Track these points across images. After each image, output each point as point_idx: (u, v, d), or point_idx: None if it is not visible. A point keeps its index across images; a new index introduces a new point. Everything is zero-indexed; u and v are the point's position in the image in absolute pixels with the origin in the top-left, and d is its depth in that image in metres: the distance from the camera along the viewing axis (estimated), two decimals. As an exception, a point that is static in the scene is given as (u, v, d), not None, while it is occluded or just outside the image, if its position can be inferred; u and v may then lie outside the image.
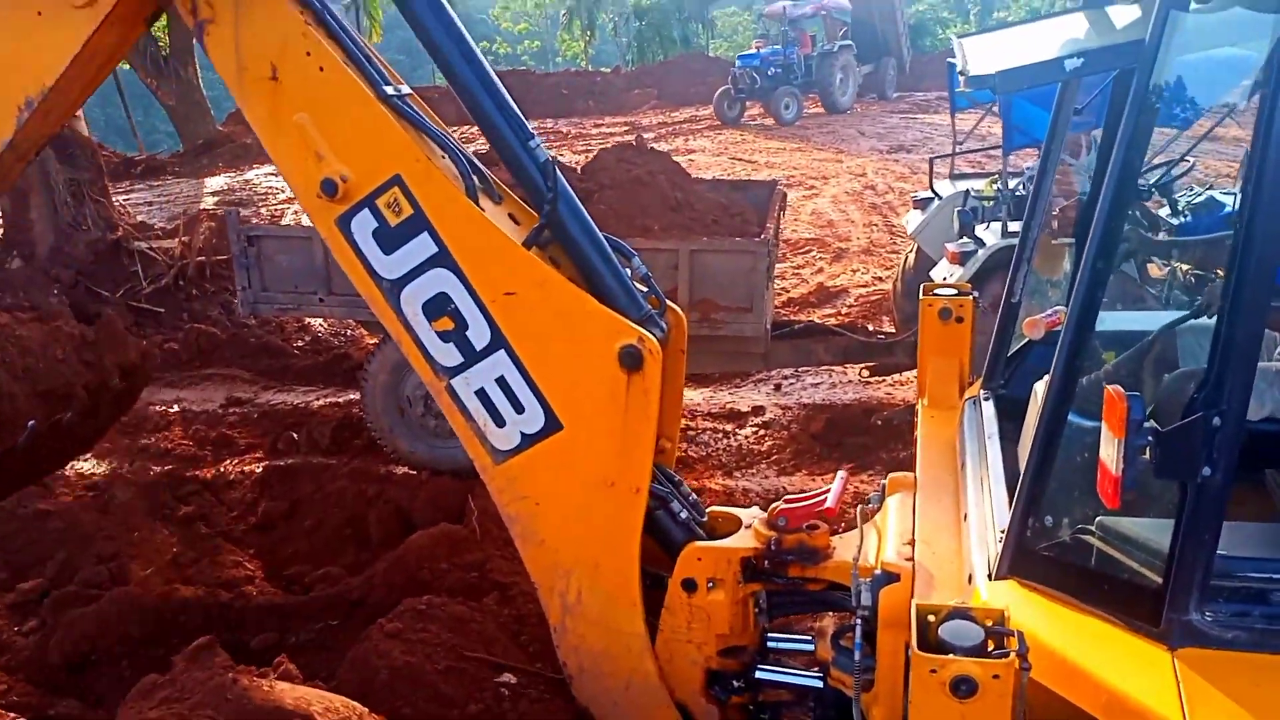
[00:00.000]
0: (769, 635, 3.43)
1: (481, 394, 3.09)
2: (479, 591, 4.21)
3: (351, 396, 7.80)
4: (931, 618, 2.10)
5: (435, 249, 2.98)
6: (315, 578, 5.19)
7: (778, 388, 7.85)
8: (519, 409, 3.09)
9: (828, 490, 3.23)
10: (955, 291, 3.83)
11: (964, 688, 1.96)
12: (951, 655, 1.98)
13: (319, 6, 2.94)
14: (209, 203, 15.46)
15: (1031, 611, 2.33)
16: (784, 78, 21.02)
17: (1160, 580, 2.09)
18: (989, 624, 2.07)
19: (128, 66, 20.56)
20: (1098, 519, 2.32)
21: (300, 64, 2.90)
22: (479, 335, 3.04)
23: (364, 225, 3.02)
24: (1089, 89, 3.43)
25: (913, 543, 3.00)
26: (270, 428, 7.30)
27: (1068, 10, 3.00)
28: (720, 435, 7.18)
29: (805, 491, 6.09)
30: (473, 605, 3.93)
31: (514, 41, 49.74)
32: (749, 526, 3.27)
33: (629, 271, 3.23)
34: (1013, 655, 1.97)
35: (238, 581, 5.20)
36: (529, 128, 3.16)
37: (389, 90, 3.00)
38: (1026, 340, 3.41)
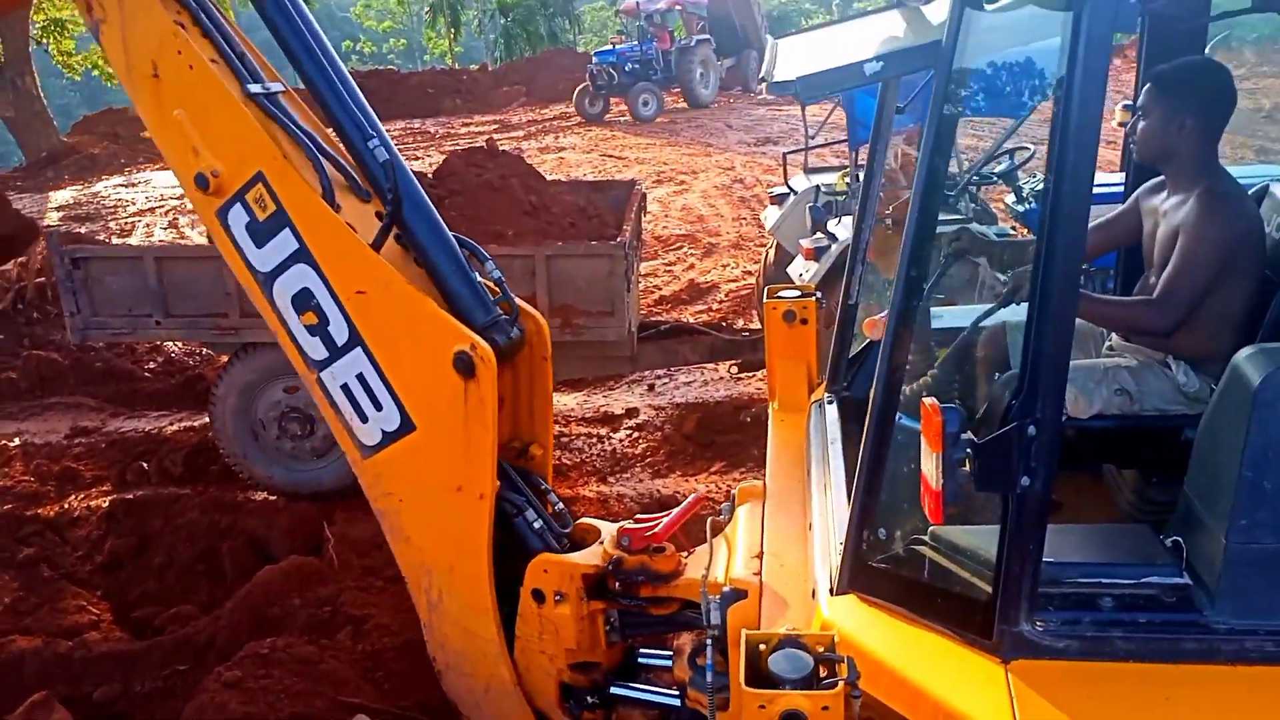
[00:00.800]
0: (640, 651, 3.36)
1: (345, 389, 3.14)
2: (331, 628, 4.02)
3: (206, 419, 7.46)
4: (763, 647, 2.03)
5: (296, 245, 3.05)
6: (166, 618, 4.90)
7: (651, 388, 7.80)
8: (378, 406, 3.14)
9: (669, 513, 3.16)
10: (799, 293, 3.81)
11: (794, 722, 1.91)
12: (779, 690, 1.91)
13: (194, 6, 3.07)
14: (54, 219, 14.69)
15: (871, 628, 2.30)
16: (642, 74, 20.98)
17: (990, 591, 2.07)
18: (820, 650, 2.01)
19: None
20: (930, 529, 2.29)
21: (173, 62, 3.02)
22: (339, 331, 3.11)
23: (238, 219, 3.12)
24: (909, 87, 3.42)
25: (761, 556, 2.95)
26: (118, 458, 6.90)
27: (887, 8, 2.97)
28: (594, 440, 7.08)
29: (677, 495, 6.08)
30: (323, 644, 3.75)
31: (379, 40, 48.70)
32: (601, 543, 3.19)
33: (479, 276, 3.23)
34: (841, 684, 1.92)
35: (81, 628, 4.87)
36: (371, 128, 3.16)
37: (254, 88, 3.09)
38: (868, 341, 3.39)
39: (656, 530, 3.08)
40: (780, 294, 3.82)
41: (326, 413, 3.23)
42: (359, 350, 3.10)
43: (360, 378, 3.12)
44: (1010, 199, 6.88)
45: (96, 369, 8.39)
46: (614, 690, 3.24)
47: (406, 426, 3.12)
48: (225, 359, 6.32)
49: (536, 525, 3.27)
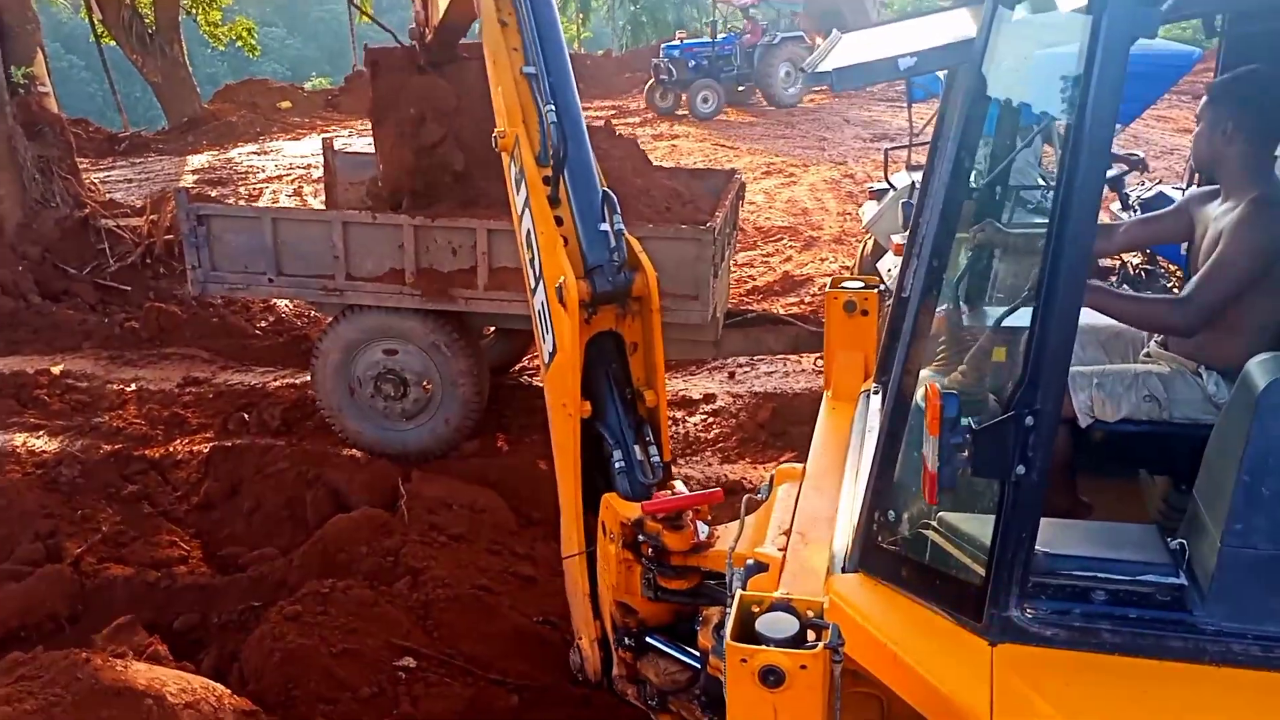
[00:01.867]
0: (684, 615, 3.47)
1: (540, 311, 3.58)
2: (392, 576, 4.25)
3: (307, 378, 7.85)
4: (755, 608, 2.13)
5: (528, 194, 3.56)
6: (249, 558, 5.23)
7: (731, 375, 7.87)
8: (547, 330, 3.56)
9: (698, 492, 3.27)
10: (861, 285, 3.85)
11: (772, 678, 2.00)
12: (762, 646, 2.01)
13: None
14: (189, 181, 15.44)
15: (871, 603, 2.37)
16: (710, 70, 20.32)
17: (983, 576, 2.12)
18: (809, 615, 2.10)
19: (113, 42, 20.57)
20: (938, 514, 2.34)
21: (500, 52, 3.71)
22: (536, 265, 3.58)
23: (510, 168, 3.75)
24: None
25: (789, 533, 3.03)
26: (223, 408, 7.33)
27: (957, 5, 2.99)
28: (670, 423, 7.20)
29: (743, 482, 6.16)
30: (381, 589, 3.97)
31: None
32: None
33: (605, 225, 3.52)
34: (821, 647, 2.00)
35: (171, 561, 5.24)
36: (553, 96, 3.56)
37: (529, 69, 3.62)
38: None
39: (659, 502, 3.18)
40: (844, 284, 3.88)
41: (535, 334, 3.67)
42: (544, 282, 3.49)
43: (543, 304, 3.51)
44: (1115, 205, 6.75)
45: (213, 324, 8.88)
46: (648, 639, 3.37)
47: (554, 349, 3.50)
48: (329, 319, 6.67)
49: (619, 465, 3.49)
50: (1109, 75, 1.85)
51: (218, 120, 20.45)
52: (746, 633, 2.08)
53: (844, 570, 2.53)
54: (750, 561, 2.91)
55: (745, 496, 3.31)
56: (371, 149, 6.97)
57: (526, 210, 3.56)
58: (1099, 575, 2.11)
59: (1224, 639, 1.99)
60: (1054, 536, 2.21)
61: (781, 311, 8.88)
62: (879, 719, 2.52)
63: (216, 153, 18.15)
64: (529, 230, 3.58)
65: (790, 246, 11.51)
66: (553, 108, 3.47)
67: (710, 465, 6.49)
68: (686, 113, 20.84)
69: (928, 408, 2.03)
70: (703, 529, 3.26)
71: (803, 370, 7.82)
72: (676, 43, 21.54)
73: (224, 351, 8.41)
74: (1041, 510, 2.08)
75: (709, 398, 7.47)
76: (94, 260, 9.92)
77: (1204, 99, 2.69)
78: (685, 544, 3.19)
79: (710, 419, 7.18)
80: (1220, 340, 2.57)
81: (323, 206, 13.59)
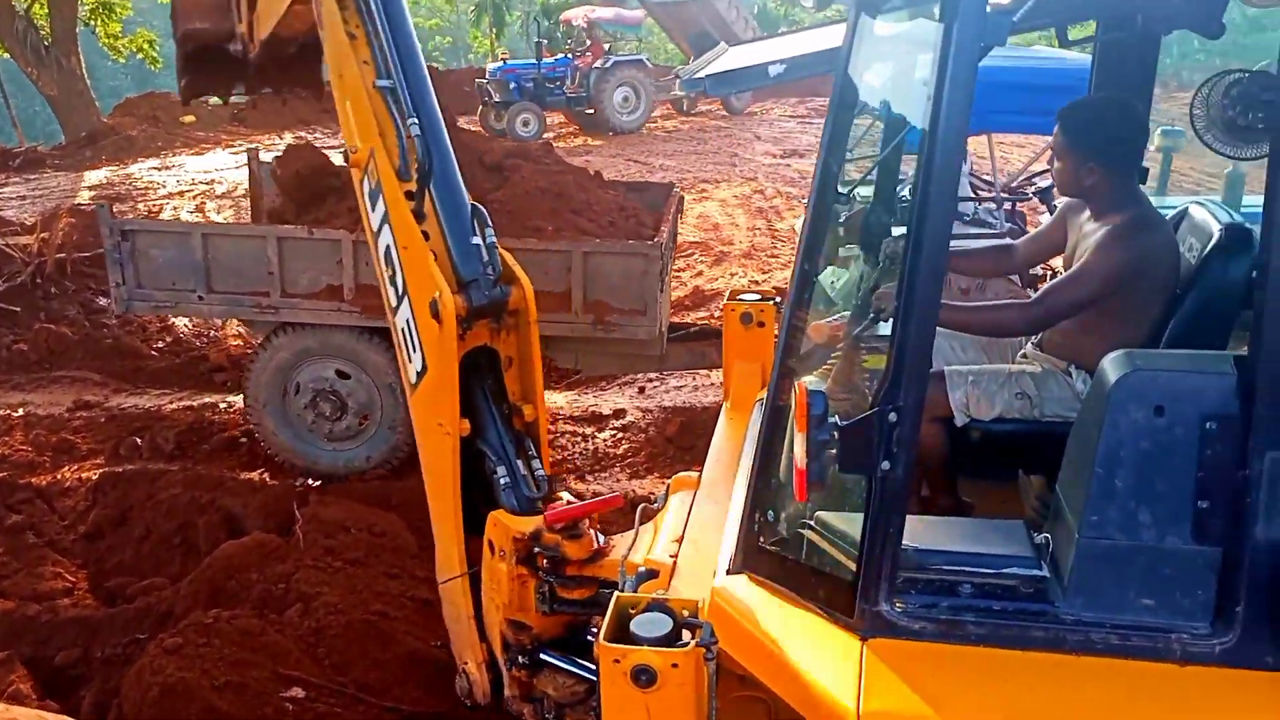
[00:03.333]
0: (577, 628, 3.45)
1: (404, 330, 3.51)
2: (283, 604, 4.14)
3: (205, 400, 7.65)
4: (632, 610, 2.14)
5: (385, 210, 3.49)
6: (137, 589, 5.03)
7: (641, 390, 7.90)
8: (414, 349, 3.48)
9: (598, 498, 3.27)
10: (758, 296, 3.90)
11: (644, 677, 2.01)
12: (633, 646, 2.01)
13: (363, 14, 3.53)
14: (85, 197, 14.97)
15: (752, 603, 2.38)
16: (534, 92, 19.51)
17: (855, 572, 2.15)
18: (684, 615, 2.11)
19: (6, 55, 19.89)
20: (815, 514, 2.37)
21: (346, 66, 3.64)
22: (399, 281, 3.49)
23: (364, 185, 3.64)
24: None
25: (681, 540, 3.05)
26: (115, 433, 7.08)
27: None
28: (579, 439, 7.19)
29: (651, 496, 6.17)
30: (271, 617, 3.87)
31: (425, 37, 49.13)
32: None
33: (476, 238, 3.46)
34: (693, 645, 2.01)
35: (54, 594, 5.03)
36: (417, 110, 3.45)
37: (383, 83, 3.52)
38: (813, 345, 3.48)
39: (562, 510, 3.18)
40: (741, 296, 3.92)
41: (398, 354, 3.59)
42: (408, 298, 3.43)
43: (408, 322, 3.44)
44: (1045, 218, 6.98)
45: (106, 345, 8.62)
46: (542, 656, 3.34)
47: (424, 368, 3.43)
48: (259, 338, 6.50)
49: (504, 482, 3.43)
50: (960, 82, 1.90)
51: (117, 135, 19.89)
52: (621, 634, 2.07)
53: (728, 572, 2.55)
54: (642, 569, 2.92)
55: (641, 505, 3.32)
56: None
57: (385, 226, 3.48)
58: (966, 569, 2.15)
59: (1083, 628, 2.04)
60: (925, 533, 2.26)
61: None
62: None
63: (116, 168, 17.65)
64: (388, 246, 3.50)
65: (701, 261, 11.62)
66: (415, 121, 3.39)
67: (619, 481, 6.49)
68: (578, 127, 20.47)
69: (796, 405, 2.06)
70: (599, 538, 3.26)
71: (711, 384, 7.87)
72: (499, 64, 20.64)
73: (117, 373, 8.15)
74: (911, 507, 2.13)
75: (619, 413, 7.48)
76: (-18, 280, 9.54)
77: (1056, 130, 2.78)
78: (585, 552, 3.18)
79: (620, 434, 7.19)
80: (1088, 340, 2.66)
81: (224, 222, 13.35)
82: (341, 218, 6.23)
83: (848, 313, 3.67)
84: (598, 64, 19.93)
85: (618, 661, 2.02)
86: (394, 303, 3.53)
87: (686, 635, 2.10)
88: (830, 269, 6.94)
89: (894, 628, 2.11)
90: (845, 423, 2.05)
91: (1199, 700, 1.96)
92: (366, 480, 6.19)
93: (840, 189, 2.33)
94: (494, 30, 37.36)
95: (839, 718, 1.98)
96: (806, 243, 2.27)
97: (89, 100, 20.84)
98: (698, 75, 2.57)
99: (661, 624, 2.07)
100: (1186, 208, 2.91)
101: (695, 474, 3.47)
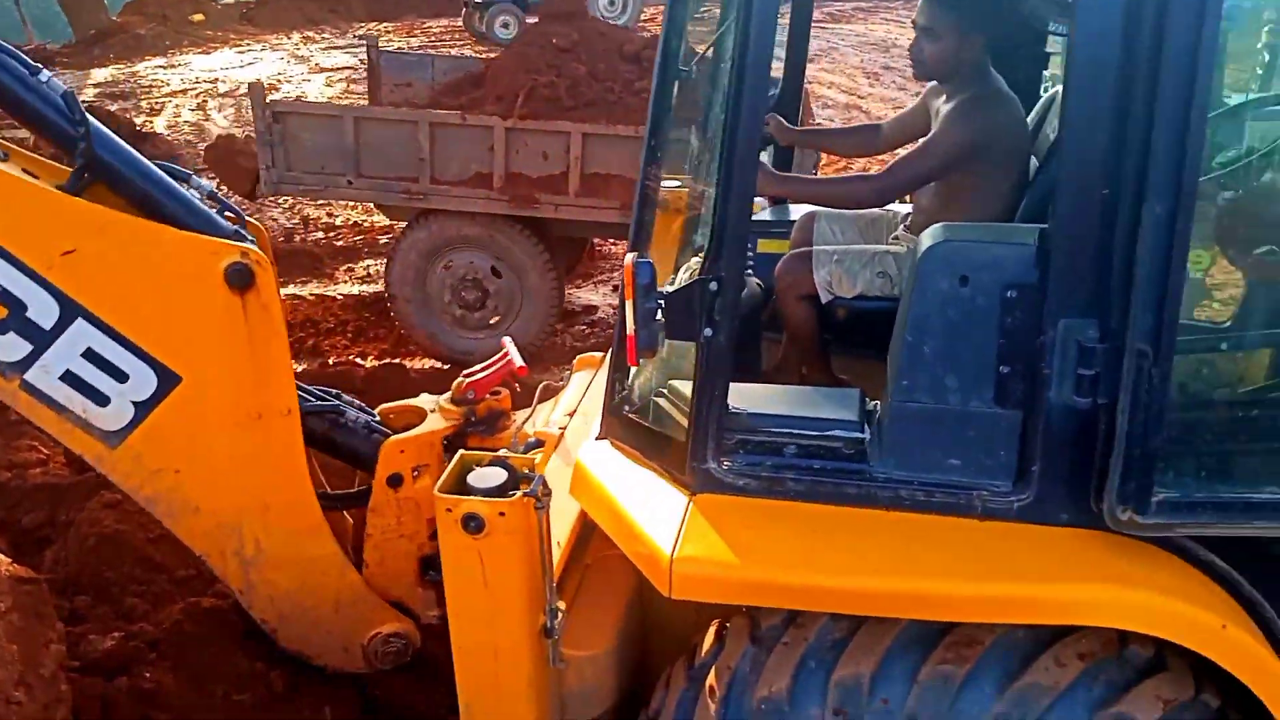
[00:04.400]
0: None
1: (69, 377, 2.67)
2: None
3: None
4: (476, 465, 2.28)
5: None
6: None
7: (615, 288, 8.00)
8: (121, 377, 2.71)
9: (504, 355, 3.35)
10: (676, 184, 3.96)
11: (473, 524, 2.16)
12: (465, 497, 2.16)
13: None
14: (89, 94, 15.05)
15: (607, 464, 2.52)
16: None
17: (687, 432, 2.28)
18: (524, 471, 2.25)
19: (13, -49, 19.78)
20: (668, 382, 2.49)
21: None
22: (44, 311, 2.61)
23: None
24: None
25: (574, 414, 3.19)
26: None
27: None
28: (549, 334, 7.32)
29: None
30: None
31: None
32: (434, 411, 3.30)
33: (193, 193, 2.89)
34: (519, 495, 2.16)
35: (29, 464, 5.28)
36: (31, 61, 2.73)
37: None
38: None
39: (519, 365, 3.25)
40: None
41: (43, 420, 2.72)
42: (80, 322, 2.64)
43: (89, 353, 2.67)
44: None
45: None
46: None
47: (168, 382, 2.75)
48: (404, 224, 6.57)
49: (362, 421, 3.26)
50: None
51: (126, 33, 19.84)
52: (459, 487, 2.22)
53: (596, 439, 2.69)
54: (531, 439, 3.06)
55: (543, 383, 3.45)
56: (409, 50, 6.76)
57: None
58: (793, 431, 2.27)
59: (893, 485, 2.16)
60: (763, 398, 2.38)
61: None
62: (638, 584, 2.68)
63: (122, 66, 17.67)
64: None
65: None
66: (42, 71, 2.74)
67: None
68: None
69: (624, 275, 2.16)
70: (501, 417, 3.38)
71: (685, 281, 7.96)
72: None
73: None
74: (789, 380, 2.23)
75: (589, 309, 7.59)
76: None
77: (930, 10, 2.77)
78: (509, 403, 3.26)
79: (588, 329, 7.31)
80: (947, 218, 2.72)
81: (226, 122, 13.40)
82: (488, 104, 6.28)
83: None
84: None
85: (450, 511, 2.17)
86: (18, 356, 2.63)
87: (525, 489, 2.24)
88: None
89: (720, 484, 2.24)
90: (669, 291, 2.15)
91: (995, 551, 2.08)
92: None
93: (681, 66, 2.39)
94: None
95: (657, 562, 2.13)
96: (651, 119, 2.34)
97: (98, -1, 20.75)
98: None
99: (496, 477, 2.21)
100: (1057, 88, 2.94)
101: (601, 355, 3.59)
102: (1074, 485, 2.05)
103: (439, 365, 6.49)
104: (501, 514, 2.15)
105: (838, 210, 3.15)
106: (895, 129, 3.18)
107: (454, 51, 17.11)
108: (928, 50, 2.75)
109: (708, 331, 2.15)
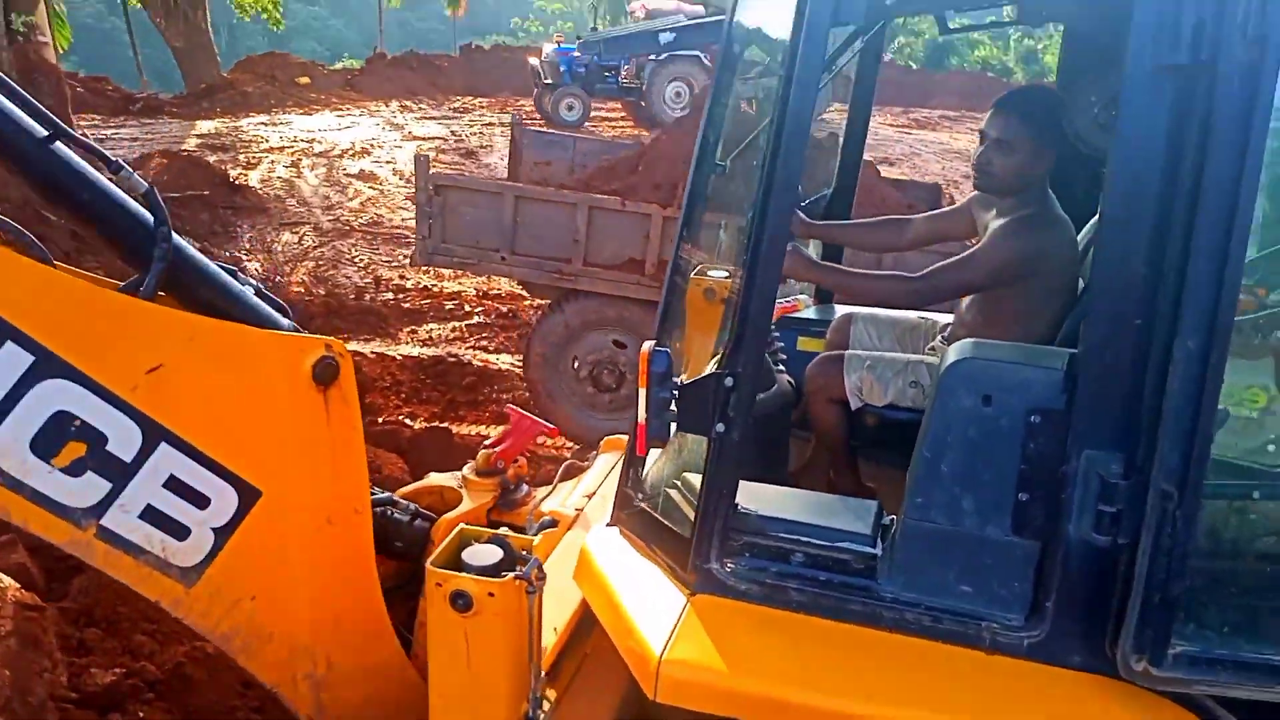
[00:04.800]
0: None
1: (149, 513, 2.33)
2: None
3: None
4: (474, 543, 2.24)
5: (31, 357, 2.12)
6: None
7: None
8: (202, 503, 2.40)
9: (519, 422, 3.33)
10: (725, 274, 3.95)
11: (460, 602, 2.11)
12: (456, 573, 2.12)
13: None
14: (192, 144, 15.69)
15: (611, 552, 2.47)
16: (586, 78, 18.97)
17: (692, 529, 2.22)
18: (521, 552, 2.21)
19: (139, 4, 20.91)
20: (681, 474, 2.44)
21: None
22: (126, 442, 2.26)
23: None
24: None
25: (592, 495, 3.14)
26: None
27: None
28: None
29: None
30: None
31: (547, 21, 49.92)
32: (459, 487, 3.29)
33: (246, 288, 2.65)
34: (510, 577, 2.11)
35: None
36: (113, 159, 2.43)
37: None
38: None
39: (506, 447, 3.26)
40: (708, 273, 3.98)
41: (120, 567, 2.34)
42: (163, 447, 2.31)
43: (171, 482, 2.34)
44: None
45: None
46: None
47: (249, 499, 2.45)
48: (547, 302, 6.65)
49: (411, 509, 3.15)
50: (810, 55, 1.95)
51: (234, 89, 20.76)
52: (453, 562, 2.18)
53: (606, 525, 2.64)
54: (546, 518, 3.02)
55: (567, 462, 3.42)
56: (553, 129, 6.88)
57: (34, 390, 2.16)
58: (801, 539, 2.20)
59: (899, 607, 2.07)
60: (777, 502, 2.32)
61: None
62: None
63: (227, 120, 18.42)
64: (47, 425, 2.19)
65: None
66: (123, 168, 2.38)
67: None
68: (630, 116, 19.78)
69: (640, 363, 2.14)
70: (523, 488, 3.36)
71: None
72: (554, 45, 20.11)
73: (183, 308, 8.56)
74: (817, 485, 2.17)
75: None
76: (74, 211, 10.11)
77: (1006, 122, 2.71)
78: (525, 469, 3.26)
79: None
80: (988, 335, 2.65)
81: (317, 181, 13.86)
82: (644, 191, 6.37)
83: (801, 296, 3.72)
84: (653, 56, 19.18)
85: (440, 585, 2.13)
86: (97, 498, 2.25)
87: (519, 571, 2.19)
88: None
89: (721, 586, 2.17)
90: (684, 383, 2.11)
91: (998, 690, 1.98)
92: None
93: (719, 161, 2.39)
94: (607, 17, 37.69)
95: (646, 662, 2.06)
96: (685, 212, 2.34)
97: (211, 54, 21.80)
98: (587, 39, 2.61)
99: (491, 556, 2.17)
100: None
101: (626, 436, 3.55)
102: (1089, 627, 1.94)
103: (484, 431, 6.50)
104: (491, 594, 2.11)
105: (875, 312, 3.11)
106: (928, 226, 3.14)
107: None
108: (997, 163, 2.67)
109: (720, 427, 2.11)
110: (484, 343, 8.20)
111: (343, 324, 8.45)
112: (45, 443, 2.17)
